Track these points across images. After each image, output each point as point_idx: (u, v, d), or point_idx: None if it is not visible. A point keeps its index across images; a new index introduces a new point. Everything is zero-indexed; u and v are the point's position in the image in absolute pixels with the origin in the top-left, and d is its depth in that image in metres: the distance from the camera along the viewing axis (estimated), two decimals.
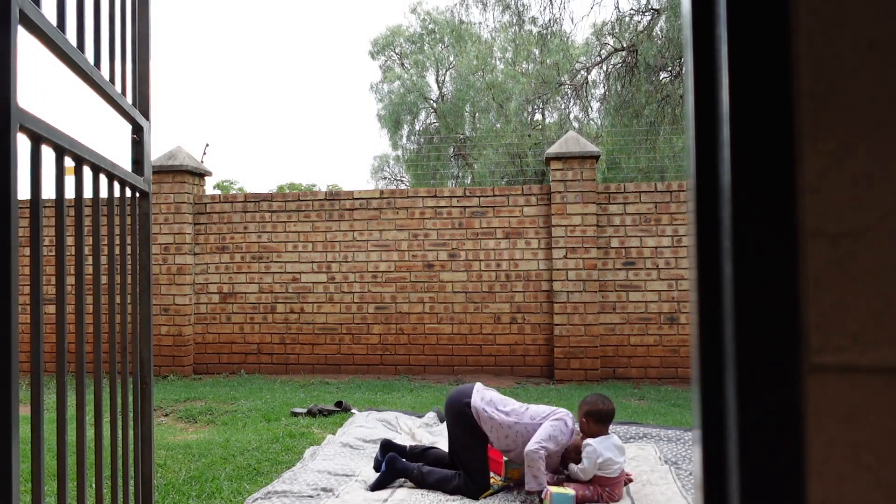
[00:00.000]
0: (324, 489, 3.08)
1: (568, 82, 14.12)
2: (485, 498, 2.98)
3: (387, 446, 3.27)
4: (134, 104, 1.79)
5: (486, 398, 3.13)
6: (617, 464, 2.92)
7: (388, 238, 6.55)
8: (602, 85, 13.89)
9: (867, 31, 0.47)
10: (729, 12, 0.49)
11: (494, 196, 6.47)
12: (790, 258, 0.47)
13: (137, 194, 1.83)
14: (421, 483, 3.10)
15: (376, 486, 3.08)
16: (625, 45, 12.65)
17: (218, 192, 16.22)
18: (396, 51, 18.21)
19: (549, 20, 13.71)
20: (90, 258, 1.53)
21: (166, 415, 4.89)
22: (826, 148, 0.47)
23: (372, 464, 3.36)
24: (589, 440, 2.94)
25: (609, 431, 3.02)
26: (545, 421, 3.01)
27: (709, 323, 0.52)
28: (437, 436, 4.07)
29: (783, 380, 0.47)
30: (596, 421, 2.97)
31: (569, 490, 2.78)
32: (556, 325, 6.23)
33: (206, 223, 6.78)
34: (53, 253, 1.32)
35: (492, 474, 3.26)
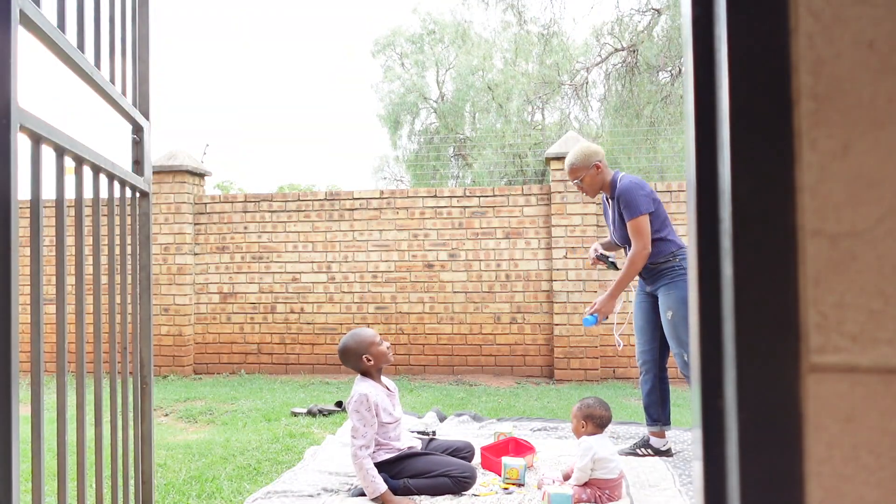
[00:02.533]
0: (324, 489, 3.09)
1: (568, 82, 14.12)
2: (484, 498, 2.98)
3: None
4: (134, 104, 1.79)
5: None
6: (613, 462, 2.93)
7: (388, 238, 6.55)
8: (602, 85, 13.90)
9: (867, 31, 0.47)
10: (729, 12, 0.49)
11: (494, 196, 6.47)
12: (790, 258, 0.47)
13: (137, 194, 1.83)
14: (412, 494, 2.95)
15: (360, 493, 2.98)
16: (625, 45, 12.65)
17: (218, 192, 16.22)
18: (397, 50, 18.19)
19: (550, 20, 13.72)
20: (90, 258, 1.53)
21: (166, 415, 4.89)
22: (826, 148, 0.47)
23: None
24: (585, 437, 2.96)
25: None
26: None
27: (709, 323, 0.52)
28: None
29: (783, 380, 0.47)
30: (595, 425, 3.00)
31: (567, 490, 2.78)
32: (556, 325, 6.23)
33: (206, 223, 6.78)
34: (53, 253, 1.32)
35: (490, 474, 3.26)
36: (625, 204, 3.36)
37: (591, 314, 3.55)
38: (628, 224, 3.37)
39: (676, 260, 3.38)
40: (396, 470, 2.96)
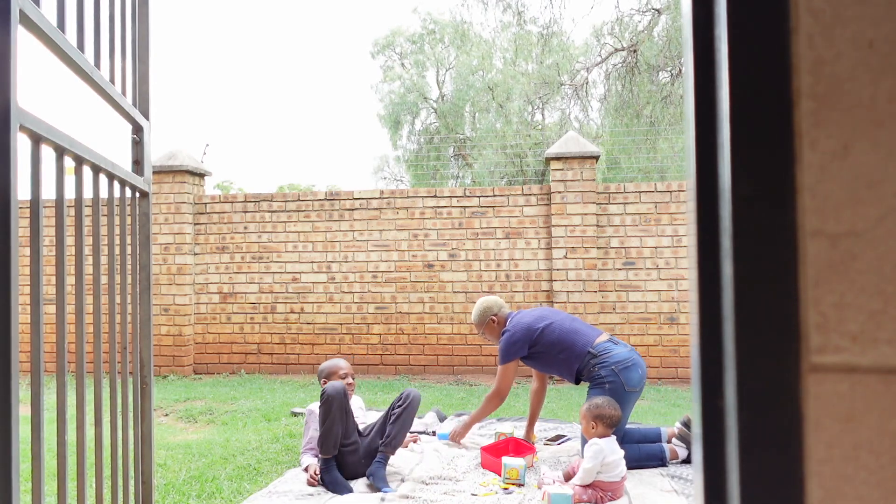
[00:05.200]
0: (325, 489, 3.09)
1: (568, 82, 14.12)
2: (484, 498, 2.98)
3: None
4: (134, 104, 1.79)
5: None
6: (620, 466, 2.93)
7: (388, 238, 6.55)
8: (602, 85, 13.89)
9: (867, 31, 0.47)
10: (729, 12, 0.49)
11: (494, 196, 6.47)
12: (790, 258, 0.47)
13: (137, 194, 1.83)
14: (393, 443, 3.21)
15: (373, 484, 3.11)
16: (625, 45, 12.65)
17: (218, 192, 16.21)
18: (397, 51, 18.19)
19: (549, 20, 13.72)
20: (90, 258, 1.53)
21: (166, 415, 4.89)
22: (826, 148, 0.47)
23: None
24: (596, 439, 2.96)
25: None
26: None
27: (709, 323, 0.52)
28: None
29: (783, 380, 0.47)
30: (605, 425, 3.02)
31: (567, 490, 2.78)
32: None
33: (206, 223, 6.78)
34: (53, 253, 1.32)
35: (490, 474, 3.26)
36: (499, 351, 3.70)
37: (448, 433, 3.91)
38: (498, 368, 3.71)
39: (595, 370, 3.48)
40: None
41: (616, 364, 3.44)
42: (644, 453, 3.43)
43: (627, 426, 3.56)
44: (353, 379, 3.55)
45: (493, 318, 3.79)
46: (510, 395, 5.46)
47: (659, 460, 3.43)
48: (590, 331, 3.63)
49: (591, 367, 3.46)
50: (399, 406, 3.27)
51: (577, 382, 3.63)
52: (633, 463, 3.33)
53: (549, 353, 3.56)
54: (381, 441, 3.21)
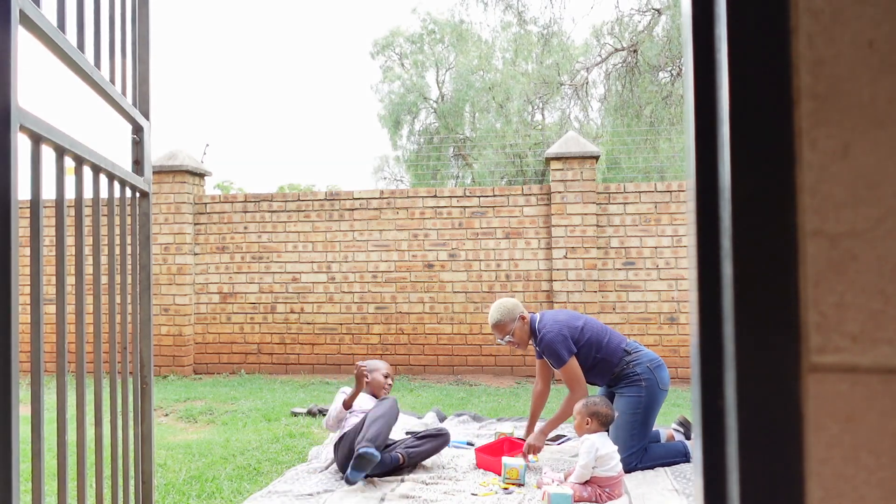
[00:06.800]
0: (325, 489, 3.09)
1: (568, 82, 14.12)
2: (484, 498, 2.98)
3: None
4: (134, 104, 1.79)
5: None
6: (614, 460, 2.95)
7: (388, 238, 6.55)
8: (602, 85, 13.89)
9: (866, 31, 0.47)
10: (729, 12, 0.49)
11: (494, 196, 6.47)
12: (790, 258, 0.47)
13: (137, 194, 1.83)
14: (412, 458, 3.30)
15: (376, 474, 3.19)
16: (625, 45, 12.65)
17: (218, 192, 16.19)
18: (396, 51, 18.18)
19: (550, 20, 13.72)
20: (90, 258, 1.53)
21: (166, 415, 4.89)
22: (826, 148, 0.47)
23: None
24: (588, 435, 2.99)
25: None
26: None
27: (709, 323, 0.52)
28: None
29: (783, 380, 0.47)
30: (599, 423, 3.04)
31: (567, 490, 2.78)
32: None
33: (206, 223, 6.78)
34: (53, 253, 1.32)
35: (490, 474, 3.26)
36: (549, 356, 3.47)
37: (521, 455, 3.41)
38: (560, 372, 3.48)
39: (630, 367, 3.42)
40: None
41: (650, 362, 3.40)
42: (671, 451, 3.43)
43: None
44: (392, 381, 3.68)
45: (523, 315, 3.58)
46: (510, 394, 5.46)
47: (684, 456, 3.42)
48: (615, 331, 3.62)
49: (626, 364, 3.41)
50: (429, 435, 3.41)
51: (608, 384, 3.54)
52: (658, 462, 3.34)
53: (587, 353, 3.45)
54: (402, 448, 3.32)
